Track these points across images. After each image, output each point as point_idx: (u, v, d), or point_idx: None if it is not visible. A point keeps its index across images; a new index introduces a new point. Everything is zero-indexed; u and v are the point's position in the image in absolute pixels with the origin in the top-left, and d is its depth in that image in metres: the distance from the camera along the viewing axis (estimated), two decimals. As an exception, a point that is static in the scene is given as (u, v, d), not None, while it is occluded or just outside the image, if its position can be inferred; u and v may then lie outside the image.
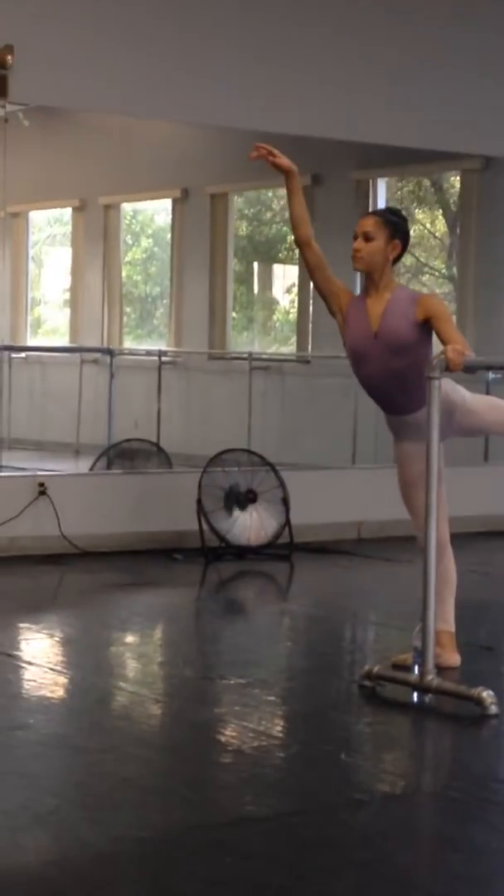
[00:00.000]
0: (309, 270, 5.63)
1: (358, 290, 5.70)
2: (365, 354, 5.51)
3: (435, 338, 5.45)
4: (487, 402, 5.80)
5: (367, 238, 5.48)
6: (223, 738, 4.75)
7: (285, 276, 14.52)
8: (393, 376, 5.47)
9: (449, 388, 5.36)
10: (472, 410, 5.59)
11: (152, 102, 8.64)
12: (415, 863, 3.73)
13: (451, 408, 5.41)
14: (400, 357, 5.44)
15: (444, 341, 5.29)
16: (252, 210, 14.63)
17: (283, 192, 13.78)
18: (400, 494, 5.72)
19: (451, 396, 5.40)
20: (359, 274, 5.67)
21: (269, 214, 14.62)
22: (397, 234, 5.50)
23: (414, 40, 9.28)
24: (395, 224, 5.52)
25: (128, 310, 15.08)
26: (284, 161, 5.54)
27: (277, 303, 14.77)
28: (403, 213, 5.83)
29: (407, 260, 13.51)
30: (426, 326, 5.41)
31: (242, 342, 14.09)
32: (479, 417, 5.64)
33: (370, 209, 12.21)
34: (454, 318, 11.71)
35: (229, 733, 4.80)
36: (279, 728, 5.00)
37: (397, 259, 5.55)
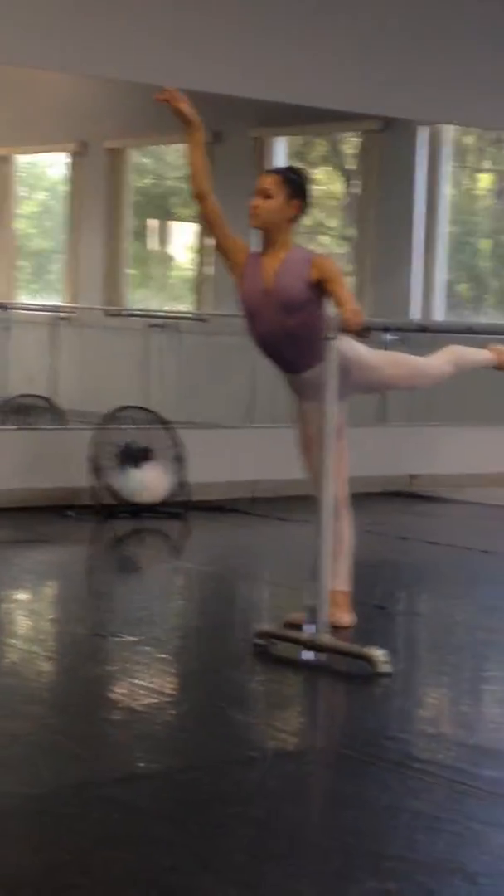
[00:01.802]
0: (206, 224, 5.59)
1: (258, 248, 5.67)
2: (258, 311, 5.49)
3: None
4: (388, 357, 5.81)
5: (266, 195, 5.44)
6: (114, 696, 4.73)
7: (183, 233, 14.44)
8: (286, 334, 5.46)
9: (345, 346, 5.35)
10: (371, 366, 5.59)
11: (48, 54, 8.49)
12: (306, 819, 3.74)
13: (348, 364, 5.40)
14: (292, 315, 5.42)
15: (337, 303, 5.28)
16: (150, 165, 14.52)
17: (181, 146, 13.60)
18: (299, 453, 5.70)
19: (346, 354, 5.38)
20: (257, 232, 5.64)
21: (167, 170, 14.51)
22: (297, 194, 5.46)
23: (313, 1, 9.23)
24: (296, 183, 5.49)
25: (23, 263, 14.90)
26: (188, 109, 5.48)
27: (175, 260, 14.69)
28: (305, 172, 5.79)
29: (304, 219, 13.49)
30: (319, 287, 5.39)
31: (139, 299, 14.00)
32: (380, 373, 5.65)
33: (267, 168, 12.19)
34: (351, 279, 11.75)
35: (120, 691, 4.78)
36: (171, 686, 4.99)
37: (296, 219, 5.52)
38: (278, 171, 5.64)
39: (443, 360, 5.82)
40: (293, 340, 5.46)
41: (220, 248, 5.58)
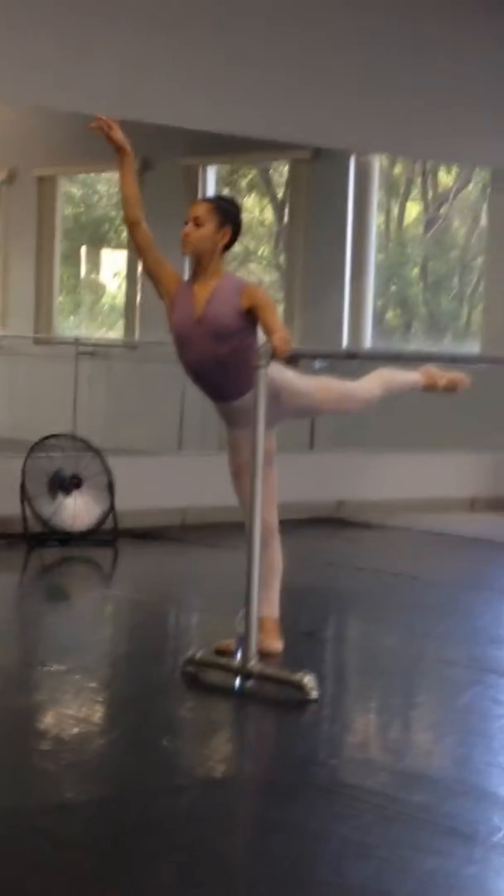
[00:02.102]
0: (138, 251, 5.61)
1: (188, 276, 5.70)
2: (189, 339, 5.52)
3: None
4: (317, 382, 5.84)
5: (198, 223, 5.48)
6: (43, 725, 4.71)
7: (113, 261, 14.44)
8: (216, 362, 5.48)
9: (274, 372, 5.38)
10: (301, 392, 5.62)
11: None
12: (235, 846, 3.75)
13: (278, 391, 5.43)
14: (223, 343, 5.45)
15: (267, 331, 5.32)
16: (80, 193, 14.52)
17: (110, 175, 13.60)
18: (231, 480, 5.72)
19: (276, 380, 5.42)
20: (189, 260, 5.66)
21: (96, 198, 14.52)
22: (228, 222, 5.50)
23: (243, 31, 9.29)
24: (227, 211, 5.53)
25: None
26: (120, 137, 5.52)
27: (105, 287, 14.69)
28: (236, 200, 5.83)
29: (234, 247, 13.54)
30: (250, 315, 5.43)
31: (69, 326, 13.98)
32: (310, 398, 5.68)
33: (199, 196, 12.23)
34: (281, 306, 11.81)
35: (49, 720, 4.76)
36: (100, 714, 4.98)
37: (228, 247, 5.56)
38: (210, 200, 5.68)
39: (372, 383, 5.87)
40: (224, 368, 5.49)
41: (152, 275, 5.60)
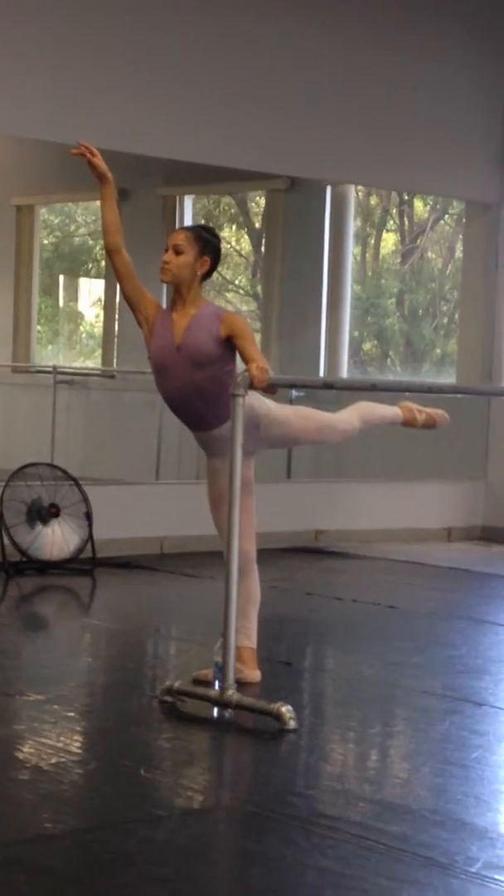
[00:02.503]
0: (118, 278, 5.64)
1: (166, 303, 5.72)
2: (167, 367, 5.53)
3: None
4: (297, 412, 5.86)
5: (177, 251, 5.50)
6: (21, 755, 4.69)
7: (91, 290, 14.47)
8: (195, 390, 5.50)
9: (254, 401, 5.41)
10: (280, 421, 5.64)
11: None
12: (212, 877, 3.74)
13: (257, 419, 5.46)
14: (202, 371, 5.47)
15: (245, 360, 5.35)
16: (58, 222, 14.55)
17: (88, 204, 13.65)
18: (210, 509, 5.73)
19: (255, 409, 5.44)
20: (166, 288, 5.68)
21: (74, 227, 14.55)
22: (207, 251, 5.53)
23: (219, 63, 9.34)
24: (206, 241, 5.56)
25: None
26: (101, 165, 5.55)
27: (83, 316, 14.71)
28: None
29: (212, 277, 13.58)
30: (229, 344, 5.46)
31: (47, 355, 13.99)
32: (288, 427, 5.70)
33: (176, 225, 12.28)
34: (258, 336, 11.85)
35: (27, 750, 4.75)
36: (78, 744, 4.97)
37: (206, 276, 5.59)
38: (190, 229, 5.71)
39: (352, 415, 5.90)
40: (203, 396, 5.50)
41: (131, 302, 5.62)
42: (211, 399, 5.49)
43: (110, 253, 5.60)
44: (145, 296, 5.60)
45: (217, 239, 5.65)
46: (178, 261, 5.50)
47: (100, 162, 5.55)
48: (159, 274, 5.54)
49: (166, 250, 5.53)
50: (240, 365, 5.42)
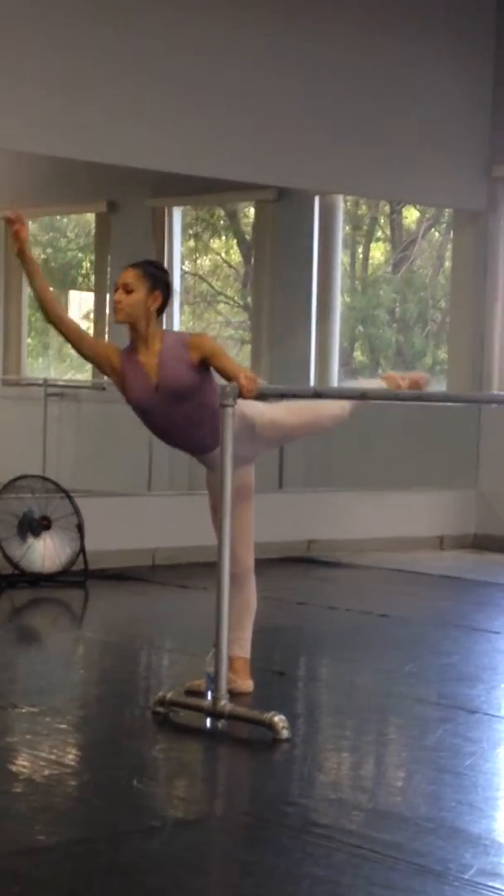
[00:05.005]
0: (72, 344, 5.60)
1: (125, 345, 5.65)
2: (151, 409, 5.48)
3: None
4: (286, 407, 5.83)
5: (128, 290, 5.46)
6: (14, 768, 4.69)
7: (81, 303, 14.47)
8: (185, 422, 5.47)
9: (244, 408, 5.37)
10: (273, 421, 5.62)
11: None
12: (207, 887, 3.74)
13: (252, 423, 5.45)
14: (187, 402, 5.43)
15: (227, 376, 5.32)
16: (47, 236, 14.56)
17: (79, 218, 13.64)
18: (211, 520, 5.71)
19: (247, 415, 5.43)
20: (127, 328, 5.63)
21: (64, 241, 14.56)
22: (158, 286, 5.49)
23: (207, 74, 9.36)
24: (155, 276, 5.52)
25: None
26: (26, 237, 5.55)
27: (73, 329, 14.68)
28: (165, 265, 5.82)
29: (203, 288, 13.61)
30: (204, 366, 5.42)
31: (38, 368, 13.99)
32: (282, 425, 5.69)
33: (165, 237, 12.30)
34: (249, 346, 11.86)
35: (21, 762, 4.75)
36: (71, 756, 4.97)
37: (160, 310, 5.54)
38: (137, 266, 5.61)
39: (340, 399, 5.90)
40: (194, 424, 5.47)
41: (93, 360, 5.58)
42: (205, 422, 5.45)
43: (55, 325, 5.58)
44: (104, 347, 5.59)
45: (166, 273, 5.64)
46: (130, 299, 5.46)
47: (26, 236, 5.55)
48: (114, 314, 5.53)
49: (116, 290, 5.52)
50: (220, 381, 5.40)
